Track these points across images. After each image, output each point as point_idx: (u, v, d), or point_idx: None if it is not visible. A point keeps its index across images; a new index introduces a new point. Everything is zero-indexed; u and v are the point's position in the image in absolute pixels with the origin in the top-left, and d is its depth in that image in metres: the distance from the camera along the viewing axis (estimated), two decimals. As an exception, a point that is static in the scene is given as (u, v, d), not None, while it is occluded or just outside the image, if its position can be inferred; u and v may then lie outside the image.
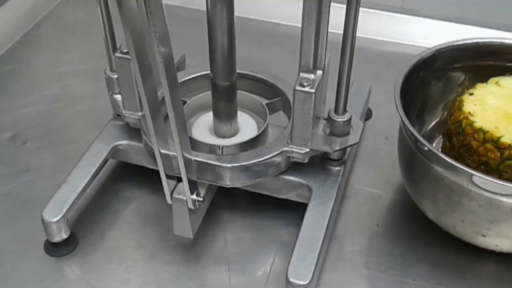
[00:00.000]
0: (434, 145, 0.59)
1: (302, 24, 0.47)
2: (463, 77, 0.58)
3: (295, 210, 0.55)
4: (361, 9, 0.85)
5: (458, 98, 0.53)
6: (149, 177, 0.58)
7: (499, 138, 0.48)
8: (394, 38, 0.80)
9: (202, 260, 0.54)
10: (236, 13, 0.49)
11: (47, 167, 0.61)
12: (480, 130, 0.49)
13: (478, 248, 0.52)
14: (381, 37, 0.80)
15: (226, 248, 0.54)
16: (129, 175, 0.60)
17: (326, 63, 0.51)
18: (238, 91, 0.55)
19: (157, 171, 0.52)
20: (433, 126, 0.60)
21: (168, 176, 0.49)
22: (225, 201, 0.58)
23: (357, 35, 0.82)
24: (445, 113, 0.58)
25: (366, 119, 0.67)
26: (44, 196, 0.54)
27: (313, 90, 0.49)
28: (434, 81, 0.57)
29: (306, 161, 0.53)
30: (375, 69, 0.74)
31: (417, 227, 0.55)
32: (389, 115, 0.63)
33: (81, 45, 0.78)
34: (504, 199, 0.46)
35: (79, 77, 0.73)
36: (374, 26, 0.80)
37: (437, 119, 0.60)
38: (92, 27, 0.80)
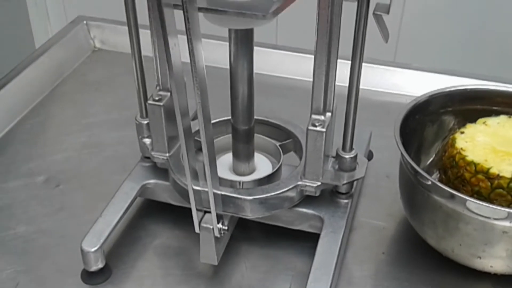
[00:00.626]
0: (431, 180, 0.65)
1: (314, 72, 0.54)
2: (454, 119, 0.65)
3: (307, 241, 0.61)
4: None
5: (451, 137, 0.60)
6: (173, 213, 0.64)
7: (488, 169, 0.55)
8: (390, 89, 0.88)
9: (224, 286, 0.59)
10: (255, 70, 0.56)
11: (78, 206, 0.67)
12: (472, 163, 0.56)
13: (475, 271, 0.57)
14: (378, 88, 0.88)
15: (245, 275, 0.60)
16: (155, 212, 0.66)
17: (334, 107, 0.58)
18: (256, 134, 0.62)
19: (181, 208, 0.58)
20: (429, 164, 0.66)
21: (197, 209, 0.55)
22: (243, 234, 0.64)
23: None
24: (439, 151, 0.65)
25: (368, 160, 0.73)
26: (78, 232, 0.59)
27: (324, 130, 0.56)
28: (428, 123, 0.64)
29: (317, 194, 0.59)
30: (375, 117, 0.82)
31: (419, 254, 0.61)
32: (389, 156, 0.70)
33: (104, 99, 0.85)
34: (496, 222, 0.52)
35: (103, 127, 0.80)
36: (372, 78, 0.88)
37: (432, 158, 0.66)
38: (113, 82, 0.88)
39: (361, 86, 0.90)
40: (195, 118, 0.59)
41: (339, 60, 0.55)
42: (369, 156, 0.74)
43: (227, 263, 0.61)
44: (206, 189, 0.53)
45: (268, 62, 0.91)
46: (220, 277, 0.60)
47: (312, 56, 0.54)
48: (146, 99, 0.61)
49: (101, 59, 0.94)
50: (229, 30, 0.54)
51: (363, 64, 0.88)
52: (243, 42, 0.54)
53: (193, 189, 0.53)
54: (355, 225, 0.65)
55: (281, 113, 0.75)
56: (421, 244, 0.60)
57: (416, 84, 0.86)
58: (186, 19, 0.43)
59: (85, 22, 0.97)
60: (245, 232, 0.64)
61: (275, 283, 0.59)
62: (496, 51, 1.23)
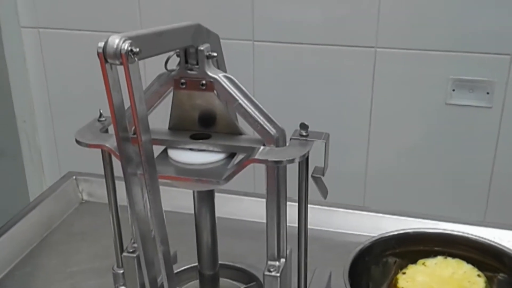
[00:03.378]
0: (384, 318, 0.71)
1: (266, 224, 0.63)
2: (396, 260, 0.72)
3: None
4: (322, 207, 1.03)
5: (395, 277, 0.67)
6: None
7: (425, 307, 0.62)
8: (352, 230, 0.96)
9: None
10: (220, 214, 0.65)
11: None
12: (411, 301, 0.63)
13: None
14: (341, 229, 0.96)
15: None
16: None
17: (288, 253, 0.66)
18: (221, 278, 0.69)
19: None
20: (382, 301, 0.72)
21: None
22: None
23: (319, 228, 0.98)
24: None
25: (329, 299, 0.79)
26: None
27: (278, 274, 0.63)
28: (373, 265, 0.71)
29: (278, 334, 0.65)
30: (337, 257, 0.88)
31: None
32: (349, 295, 0.76)
33: (88, 248, 0.92)
34: None
35: (86, 275, 0.86)
36: (335, 220, 0.97)
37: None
38: (97, 233, 0.96)
39: (325, 228, 0.99)
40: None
41: (291, 203, 0.64)
42: (331, 295, 0.80)
43: None
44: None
45: (242, 207, 1.00)
46: None
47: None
48: (122, 250, 0.69)
49: (88, 210, 1.03)
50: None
51: (328, 207, 0.98)
52: (205, 199, 0.63)
53: (161, 334, 0.59)
54: None
55: (252, 256, 0.83)
56: None
57: (374, 225, 0.94)
58: (148, 188, 0.52)
59: (74, 177, 1.07)
60: None
61: None
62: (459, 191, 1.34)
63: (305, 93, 1.37)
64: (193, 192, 0.64)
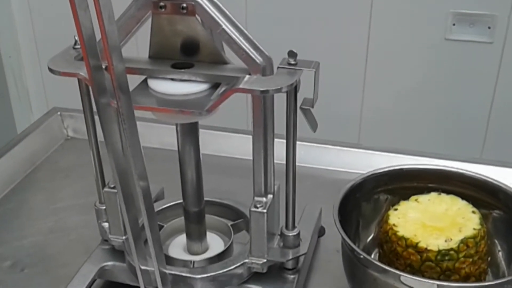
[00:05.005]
0: (373, 255, 0.69)
1: (253, 158, 0.60)
2: (388, 197, 0.70)
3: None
4: (314, 144, 1.00)
5: (386, 213, 0.65)
6: (131, 294, 0.67)
7: (417, 243, 0.60)
8: (343, 167, 0.93)
9: None
10: (208, 151, 0.61)
11: (42, 289, 0.71)
12: (402, 237, 0.60)
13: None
14: (333, 167, 0.94)
15: None
16: (114, 293, 0.69)
17: (275, 189, 0.63)
18: (207, 215, 0.67)
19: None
20: (371, 239, 0.70)
21: (147, 288, 0.59)
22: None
23: (311, 165, 0.95)
24: (377, 228, 0.70)
25: (319, 236, 0.78)
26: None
27: (265, 211, 0.60)
28: (364, 202, 0.69)
29: (264, 270, 0.63)
30: (328, 194, 0.86)
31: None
32: (339, 232, 0.74)
33: (73, 185, 0.90)
34: (423, 292, 0.56)
35: (71, 211, 0.84)
36: (326, 158, 0.94)
37: (373, 234, 0.71)
38: (82, 169, 0.93)
39: (317, 165, 0.96)
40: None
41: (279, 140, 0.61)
42: (321, 231, 0.78)
43: None
44: (153, 269, 0.57)
45: (232, 144, 0.97)
46: None
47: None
48: (104, 186, 0.66)
49: (73, 147, 0.99)
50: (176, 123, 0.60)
51: (319, 145, 0.95)
52: (188, 134, 0.60)
53: (142, 269, 0.57)
54: (306, 299, 0.68)
55: (240, 194, 0.80)
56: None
57: (366, 162, 0.92)
58: (122, 118, 0.48)
59: (59, 113, 1.03)
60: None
61: None
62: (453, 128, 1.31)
63: (300, 28, 1.32)
64: (176, 126, 0.60)
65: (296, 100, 0.56)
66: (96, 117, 0.62)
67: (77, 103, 1.04)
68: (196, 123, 0.60)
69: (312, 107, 0.55)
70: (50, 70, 0.56)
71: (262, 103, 0.56)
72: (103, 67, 0.47)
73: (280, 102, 0.58)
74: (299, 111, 0.57)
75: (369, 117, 1.38)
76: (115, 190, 0.63)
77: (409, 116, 1.35)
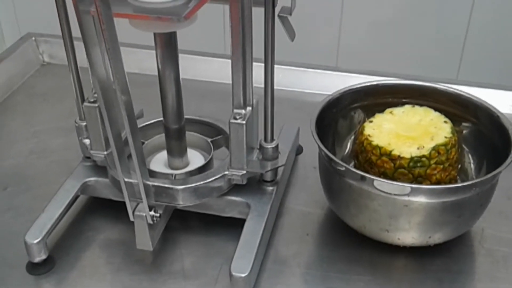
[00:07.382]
0: (349, 167, 0.71)
1: (232, 70, 0.60)
2: (364, 114, 0.72)
3: (238, 227, 0.66)
4: (292, 68, 1.00)
5: (362, 125, 0.67)
6: (114, 209, 0.69)
7: (391, 151, 0.62)
8: (322, 90, 0.94)
9: (161, 270, 0.64)
10: (188, 76, 0.61)
11: (25, 206, 0.72)
12: (377, 147, 0.62)
13: (388, 245, 0.64)
14: (311, 90, 0.95)
15: (181, 260, 0.65)
16: (98, 208, 0.71)
17: (254, 102, 0.64)
18: (187, 132, 0.68)
19: (122, 204, 0.62)
20: (346, 155, 0.72)
21: (131, 200, 0.61)
22: (181, 225, 0.69)
23: (289, 88, 0.96)
24: (352, 145, 0.72)
25: (297, 154, 0.80)
26: (24, 228, 0.64)
27: (244, 122, 0.61)
28: (341, 118, 0.70)
29: (244, 182, 0.65)
30: (306, 116, 0.88)
31: (339, 234, 0.67)
32: (316, 150, 0.76)
33: (51, 109, 0.90)
34: (397, 197, 0.58)
35: (51, 134, 0.84)
36: (305, 81, 0.95)
37: (347, 149, 0.73)
38: (60, 94, 0.93)
39: (296, 89, 0.97)
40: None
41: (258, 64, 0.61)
42: (299, 150, 0.80)
43: (165, 250, 0.66)
44: (137, 181, 0.58)
45: (212, 68, 0.98)
46: (157, 263, 0.65)
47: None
48: (83, 101, 0.66)
49: (49, 72, 0.99)
50: (154, 35, 0.60)
51: (297, 68, 0.96)
52: (167, 46, 0.60)
53: (125, 182, 0.59)
54: (283, 212, 0.71)
55: (220, 114, 0.81)
56: (341, 225, 0.66)
57: (343, 84, 0.92)
58: (100, 23, 0.48)
59: (33, 38, 1.02)
60: (183, 223, 0.69)
61: (208, 265, 0.64)
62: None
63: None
64: (155, 41, 0.60)
65: (274, 9, 0.56)
66: (76, 42, 0.62)
67: (50, 29, 1.03)
68: (175, 35, 0.60)
69: (290, 14, 0.56)
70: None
71: (240, 12, 0.56)
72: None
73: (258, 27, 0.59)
74: (277, 23, 0.57)
75: (346, 44, 1.38)
76: (95, 105, 0.64)
77: (386, 41, 1.35)
